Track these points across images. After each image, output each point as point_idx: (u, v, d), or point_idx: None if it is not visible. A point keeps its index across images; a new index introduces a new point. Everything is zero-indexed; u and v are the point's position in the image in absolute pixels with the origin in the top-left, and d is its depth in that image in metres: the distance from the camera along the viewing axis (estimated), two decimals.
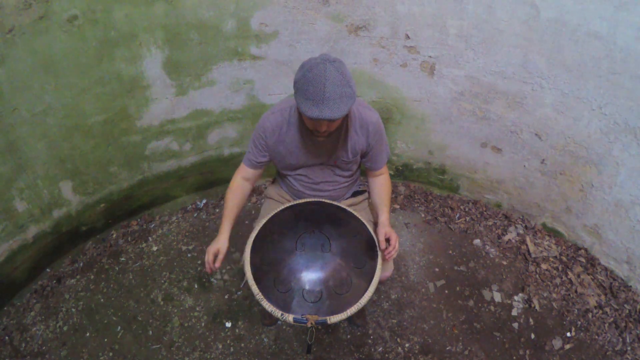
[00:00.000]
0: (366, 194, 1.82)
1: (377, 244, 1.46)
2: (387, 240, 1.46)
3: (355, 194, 1.78)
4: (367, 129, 1.50)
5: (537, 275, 2.33)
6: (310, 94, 1.21)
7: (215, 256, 1.45)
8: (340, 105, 1.23)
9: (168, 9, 2.03)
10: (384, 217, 1.53)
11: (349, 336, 2.07)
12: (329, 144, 1.51)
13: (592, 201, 2.23)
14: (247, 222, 2.59)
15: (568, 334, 2.09)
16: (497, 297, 2.25)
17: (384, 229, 1.47)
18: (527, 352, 2.02)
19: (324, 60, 1.24)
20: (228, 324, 2.11)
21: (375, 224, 1.59)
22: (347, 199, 1.76)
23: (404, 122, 2.59)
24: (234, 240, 2.52)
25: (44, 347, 2.01)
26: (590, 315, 2.15)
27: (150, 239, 2.52)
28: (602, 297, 2.22)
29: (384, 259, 1.47)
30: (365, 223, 1.51)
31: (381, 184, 1.64)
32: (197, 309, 2.18)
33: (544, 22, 1.92)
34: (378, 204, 1.61)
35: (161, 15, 2.04)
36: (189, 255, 2.43)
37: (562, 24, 1.88)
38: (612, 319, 2.12)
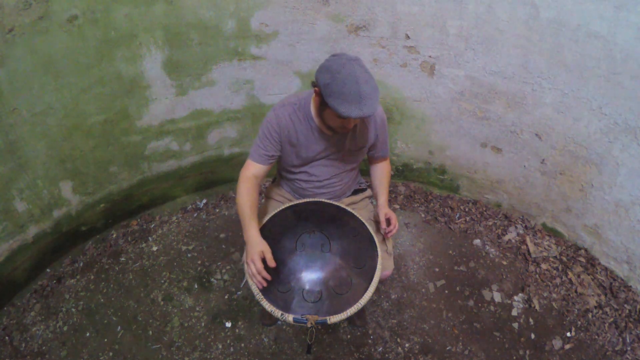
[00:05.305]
0: (366, 192, 1.84)
1: (376, 244, 1.46)
2: (388, 220, 1.60)
3: (356, 192, 1.80)
4: (375, 121, 1.57)
5: (537, 275, 2.33)
6: (347, 95, 1.23)
7: (263, 259, 1.37)
8: (375, 101, 1.27)
9: (168, 9, 2.03)
10: (382, 199, 1.68)
11: (349, 336, 2.07)
12: (340, 136, 1.54)
13: (592, 201, 2.23)
14: None
15: (568, 334, 2.09)
16: (497, 297, 2.25)
17: (384, 210, 1.62)
18: (527, 352, 2.02)
19: (348, 59, 1.26)
20: (228, 324, 2.11)
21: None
22: (347, 196, 1.77)
23: (404, 122, 2.59)
24: (233, 240, 2.54)
25: (44, 347, 2.01)
26: (590, 315, 2.14)
27: (150, 239, 2.52)
28: (602, 297, 2.21)
29: (385, 238, 1.63)
30: (365, 223, 1.52)
31: (382, 169, 1.76)
32: (197, 309, 2.18)
33: (544, 22, 1.92)
34: (378, 187, 1.74)
35: (161, 15, 2.04)
36: (189, 255, 2.43)
37: (562, 24, 1.88)
38: (612, 319, 2.12)
